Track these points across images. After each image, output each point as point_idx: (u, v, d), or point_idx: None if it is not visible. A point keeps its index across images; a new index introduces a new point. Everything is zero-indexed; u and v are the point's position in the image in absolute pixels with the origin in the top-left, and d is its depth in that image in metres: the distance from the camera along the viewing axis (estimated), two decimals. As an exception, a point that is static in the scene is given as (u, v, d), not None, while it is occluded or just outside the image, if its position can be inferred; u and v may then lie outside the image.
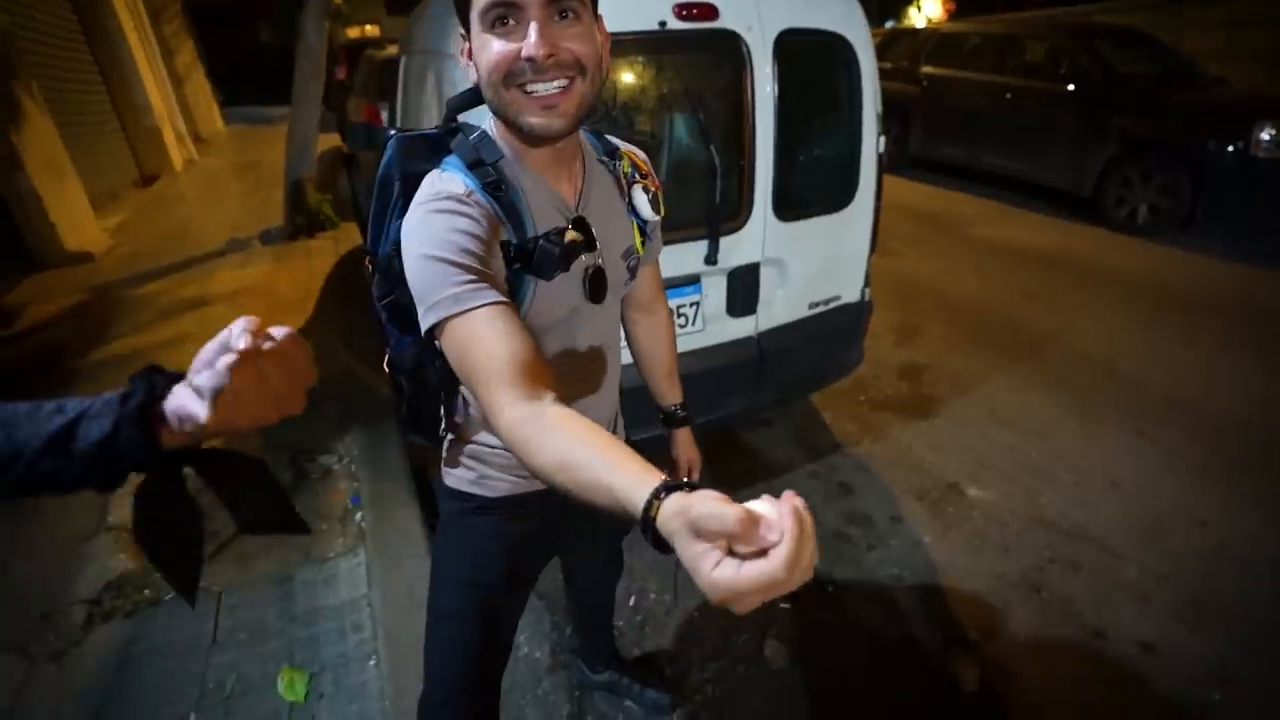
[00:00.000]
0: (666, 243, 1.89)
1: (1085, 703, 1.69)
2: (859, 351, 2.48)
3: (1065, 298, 4.01)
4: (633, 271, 1.02)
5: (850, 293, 2.36)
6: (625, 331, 1.22)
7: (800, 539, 0.43)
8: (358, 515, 2.28)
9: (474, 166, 0.82)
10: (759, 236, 2.02)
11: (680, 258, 1.92)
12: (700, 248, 1.93)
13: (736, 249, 1.99)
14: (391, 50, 4.95)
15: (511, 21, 0.74)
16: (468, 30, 0.79)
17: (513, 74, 0.75)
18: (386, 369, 1.03)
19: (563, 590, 1.68)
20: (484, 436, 1.01)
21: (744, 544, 0.43)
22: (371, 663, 1.71)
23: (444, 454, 1.07)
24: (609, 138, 1.01)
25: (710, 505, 0.44)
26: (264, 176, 8.06)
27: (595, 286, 0.92)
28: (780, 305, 2.18)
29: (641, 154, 1.03)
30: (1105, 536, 2.21)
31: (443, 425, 1.05)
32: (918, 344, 3.56)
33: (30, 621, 1.92)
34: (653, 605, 2.01)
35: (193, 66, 11.21)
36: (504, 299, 0.74)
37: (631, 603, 2.01)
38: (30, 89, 5.09)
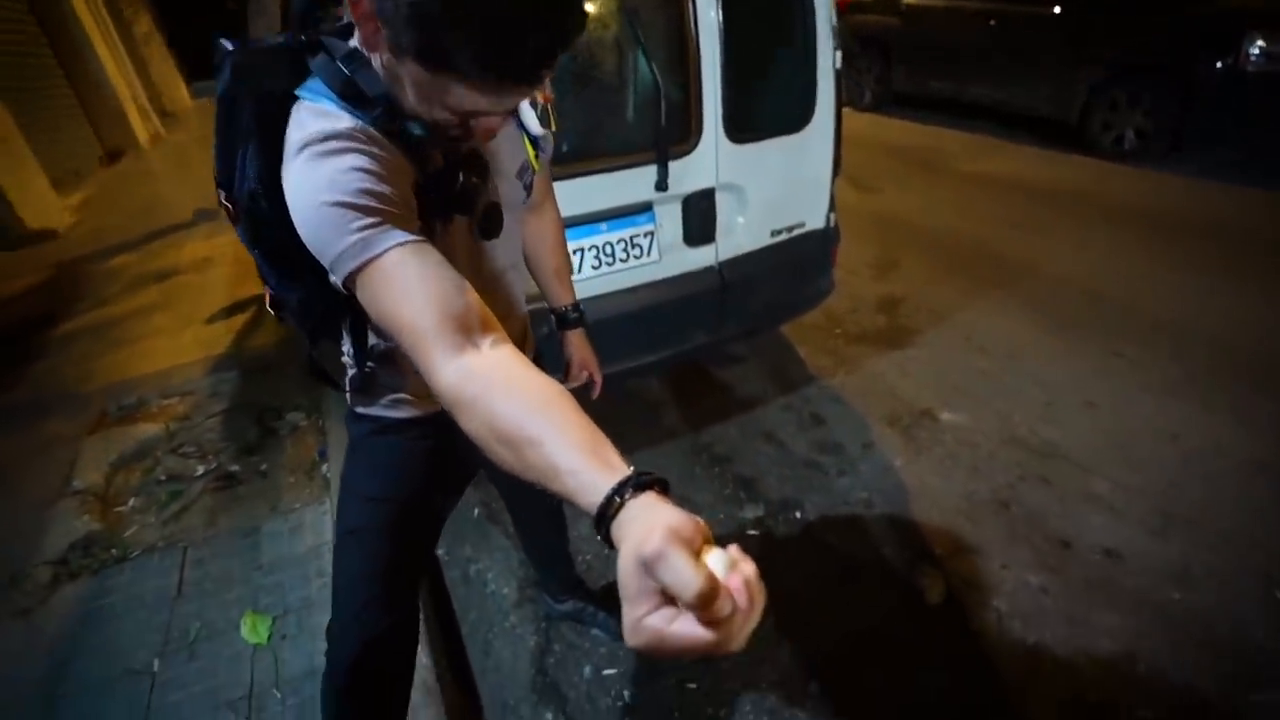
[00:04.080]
0: (613, 169, 1.84)
1: (1046, 609, 1.70)
2: (828, 281, 2.43)
3: (1049, 227, 3.94)
4: (529, 189, 0.98)
5: (814, 219, 2.29)
6: None
7: (746, 618, 0.41)
8: (323, 466, 2.27)
9: (350, 98, 0.71)
10: (711, 160, 1.95)
11: (629, 185, 1.86)
12: (649, 174, 1.86)
13: (688, 174, 1.93)
14: None
15: None
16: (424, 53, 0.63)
17: (464, 118, 0.70)
18: (271, 310, 0.97)
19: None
20: (386, 364, 0.96)
21: (694, 612, 0.40)
22: (335, 604, 1.71)
23: (348, 382, 1.03)
24: None
25: (675, 559, 0.39)
26: (233, 147, 7.84)
27: (488, 223, 0.87)
28: (741, 233, 2.12)
29: None
30: (1076, 453, 2.20)
31: (344, 354, 1.00)
32: (895, 278, 3.51)
33: (-3, 584, 1.92)
34: (621, 539, 2.00)
35: (152, 39, 10.83)
36: (415, 237, 0.65)
37: (599, 535, 2.00)
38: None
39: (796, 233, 2.25)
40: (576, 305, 1.26)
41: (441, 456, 1.04)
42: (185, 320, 3.67)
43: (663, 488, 0.48)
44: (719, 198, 2.02)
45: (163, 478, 2.37)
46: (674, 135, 1.86)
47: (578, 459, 0.50)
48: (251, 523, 2.07)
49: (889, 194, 4.70)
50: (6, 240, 4.93)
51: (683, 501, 1.85)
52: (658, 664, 1.61)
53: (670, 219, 1.99)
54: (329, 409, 2.55)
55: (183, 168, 7.60)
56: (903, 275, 3.53)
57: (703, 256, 2.08)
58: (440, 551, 2.02)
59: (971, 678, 1.55)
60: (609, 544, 0.47)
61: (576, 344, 1.28)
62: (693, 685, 1.57)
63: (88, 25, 7.81)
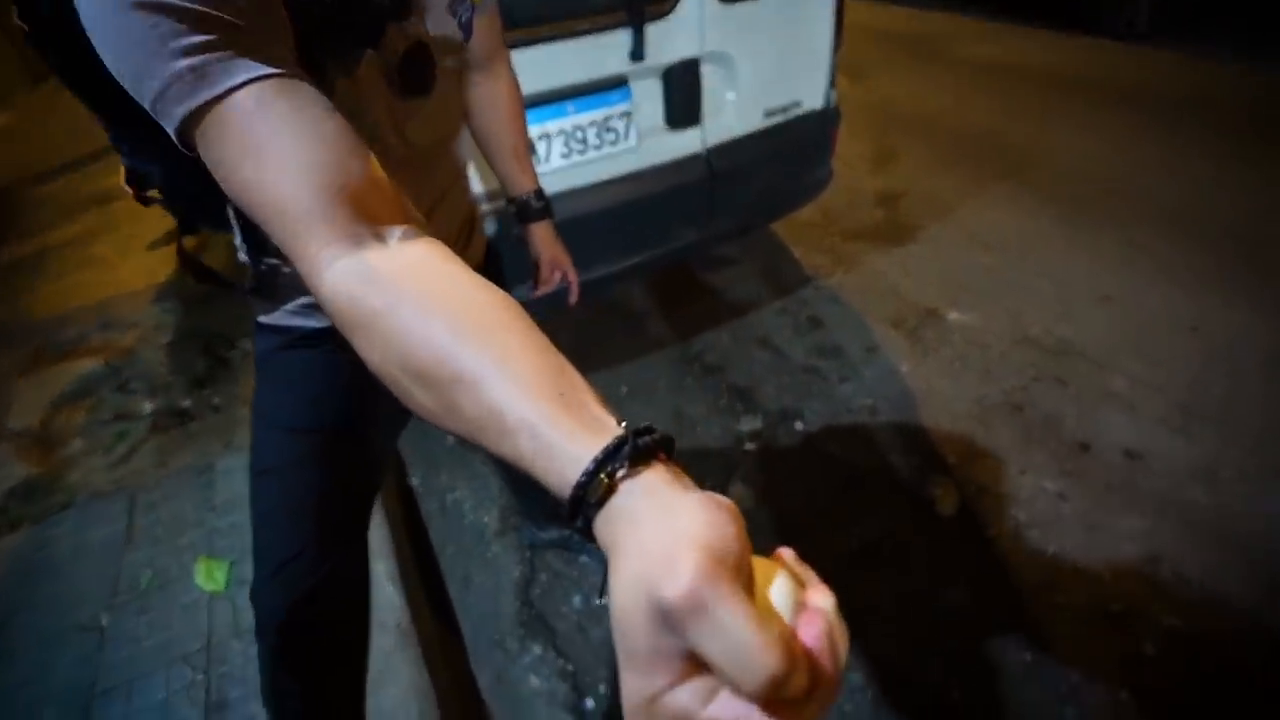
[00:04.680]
0: (578, 33, 1.55)
1: (1065, 515, 1.59)
2: (826, 169, 2.18)
3: (1056, 113, 3.64)
4: (466, 29, 0.73)
5: (813, 98, 2.01)
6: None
7: (827, 690, 0.25)
8: (280, 397, 2.08)
9: None
10: (695, 22, 1.65)
11: (599, 54, 1.57)
12: (623, 39, 1.57)
13: (668, 40, 1.64)
14: None
15: None
16: None
17: None
18: (127, 187, 0.74)
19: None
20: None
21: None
22: (297, 544, 1.57)
23: (248, 282, 0.81)
24: None
25: (726, 615, 0.23)
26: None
27: (412, 71, 0.63)
28: (730, 113, 1.85)
29: None
30: (1092, 350, 2.05)
31: (237, 246, 0.78)
32: (894, 170, 3.25)
33: (-70, 539, 1.76)
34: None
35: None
36: (280, 69, 0.43)
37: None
38: None
39: (793, 114, 1.98)
40: (540, 192, 1.04)
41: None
42: (125, 247, 3.38)
43: (668, 451, 0.31)
44: (705, 70, 1.74)
45: (108, 417, 2.18)
46: (650, -9, 1.56)
47: (535, 407, 0.32)
48: (205, 460, 1.90)
49: (883, 82, 4.34)
50: (-80, 167, 4.48)
51: (676, 416, 1.65)
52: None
53: (649, 97, 1.72)
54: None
55: (114, 83, 6.95)
56: (902, 168, 3.27)
57: (688, 142, 1.82)
58: (414, 481, 1.87)
59: (987, 591, 1.45)
60: (588, 536, 0.30)
61: (544, 239, 1.06)
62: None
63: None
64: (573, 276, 1.10)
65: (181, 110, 0.42)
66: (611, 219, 1.71)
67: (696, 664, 0.24)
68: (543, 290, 1.11)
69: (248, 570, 1.50)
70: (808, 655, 0.24)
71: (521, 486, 1.51)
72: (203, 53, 0.41)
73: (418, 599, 1.48)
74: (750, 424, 1.92)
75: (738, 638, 0.22)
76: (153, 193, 0.75)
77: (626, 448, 0.29)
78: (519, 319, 0.37)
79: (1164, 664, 1.29)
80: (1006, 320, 2.21)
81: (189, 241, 0.74)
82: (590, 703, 1.33)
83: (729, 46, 1.74)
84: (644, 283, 2.53)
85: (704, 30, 1.68)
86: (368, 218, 0.42)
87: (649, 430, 0.30)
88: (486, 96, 0.93)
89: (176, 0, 0.41)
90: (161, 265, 3.11)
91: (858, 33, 5.27)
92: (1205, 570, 1.44)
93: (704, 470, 1.79)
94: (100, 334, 2.65)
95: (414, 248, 0.42)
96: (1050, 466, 1.71)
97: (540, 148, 1.61)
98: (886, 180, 3.16)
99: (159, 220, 3.53)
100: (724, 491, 1.71)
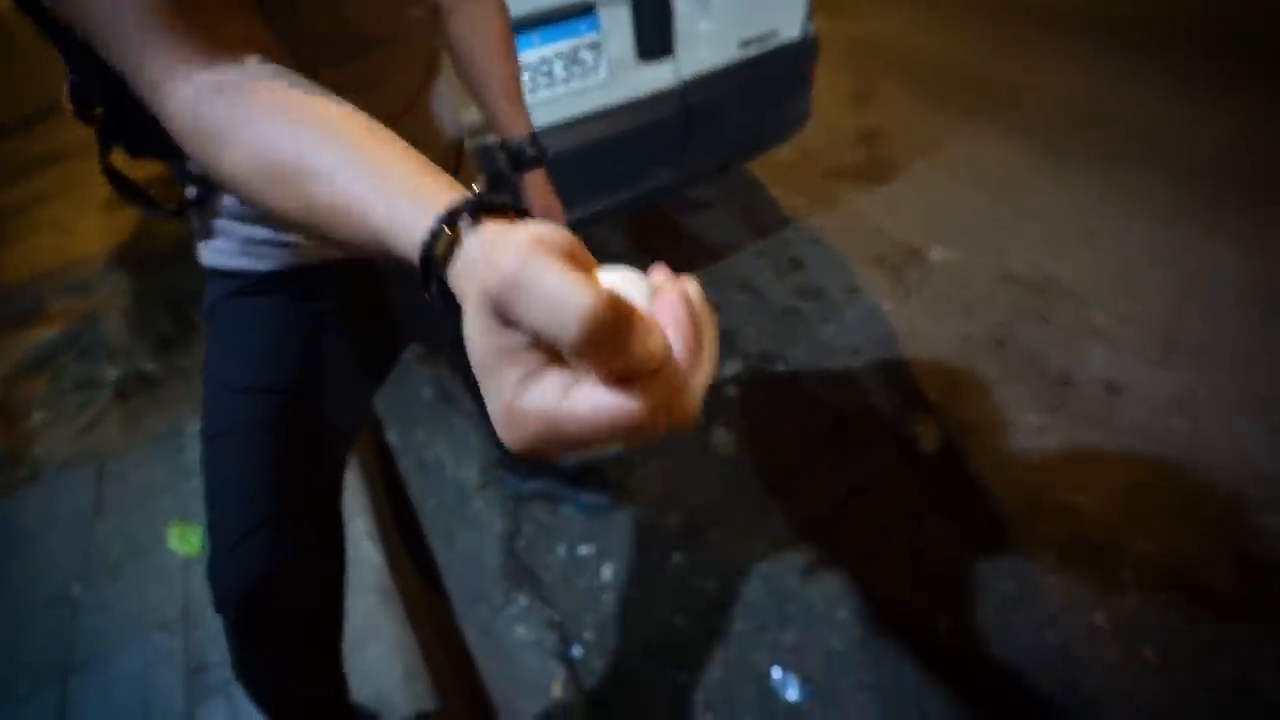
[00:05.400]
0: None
1: (1048, 447, 1.59)
2: (805, 103, 2.10)
3: (1047, 48, 3.51)
4: None
5: (790, 27, 1.91)
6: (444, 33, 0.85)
7: (692, 361, 0.25)
8: (248, 359, 2.01)
9: None
10: (665, -58, 1.55)
11: (563, -22, 1.47)
12: (589, -39, 1.47)
13: (637, -38, 1.53)
14: None
15: None
16: None
17: None
18: (68, 104, 0.66)
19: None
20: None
21: (589, 359, 0.22)
22: (272, 506, 1.54)
23: (191, 218, 0.75)
24: None
25: (540, 274, 0.22)
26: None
27: None
28: (704, 44, 1.76)
29: None
30: (1075, 286, 2.03)
31: (174, 174, 0.71)
32: (875, 107, 3.15)
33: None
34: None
35: None
36: None
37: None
38: None
39: (771, 45, 1.89)
40: (535, 137, 0.93)
41: (336, 319, 0.79)
42: (80, 208, 3.23)
43: (520, 214, 0.29)
44: (677, -5, 1.64)
45: (70, 386, 2.11)
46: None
47: (388, 184, 0.32)
48: (174, 426, 1.85)
49: (861, 15, 4.18)
50: None
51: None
52: (640, 538, 1.50)
53: (618, 25, 1.61)
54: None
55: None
56: (882, 105, 3.17)
57: (661, 75, 1.72)
58: (391, 438, 1.83)
59: (971, 524, 1.46)
60: (448, 312, 0.29)
61: (538, 188, 0.96)
62: (678, 559, 1.46)
63: None
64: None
65: None
66: (583, 158, 1.63)
67: (550, 359, 0.24)
68: None
69: (222, 534, 1.47)
70: (650, 318, 0.24)
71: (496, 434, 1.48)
72: None
73: (399, 557, 1.46)
74: (732, 367, 1.89)
75: (550, 289, 0.22)
76: (97, 111, 0.67)
77: (472, 202, 0.28)
78: (376, 125, 0.36)
79: (1140, 589, 1.31)
80: (990, 258, 2.18)
81: (116, 158, 0.67)
82: (578, 650, 1.33)
83: (701, -31, 1.64)
84: (618, 225, 2.46)
85: (674, -49, 1.57)
86: (207, 34, 0.39)
87: (497, 197, 0.29)
88: (469, 21, 0.83)
89: None
90: (118, 225, 2.98)
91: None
92: (1184, 496, 1.46)
93: (686, 418, 1.77)
94: (59, 300, 2.54)
95: (269, 70, 0.40)
96: (1032, 401, 1.70)
97: (503, 84, 1.51)
98: (868, 118, 3.07)
99: (111, 180, 3.38)
100: (706, 436, 1.70)
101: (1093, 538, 1.40)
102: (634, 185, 1.80)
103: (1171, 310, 1.91)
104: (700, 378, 0.26)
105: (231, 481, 0.73)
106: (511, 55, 0.87)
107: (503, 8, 0.85)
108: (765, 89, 1.93)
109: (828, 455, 1.64)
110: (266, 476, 0.73)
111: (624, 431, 0.23)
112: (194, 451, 1.74)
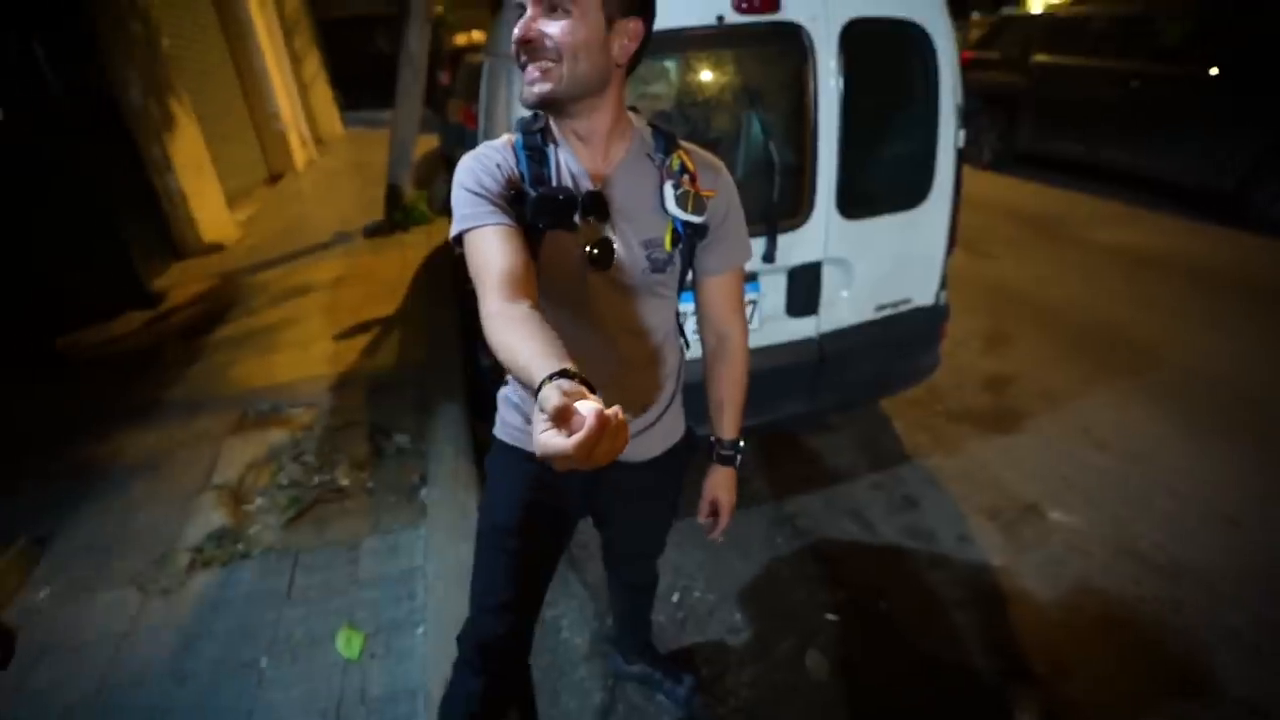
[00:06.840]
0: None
1: (1164, 756, 1.52)
2: (933, 358, 2.35)
3: (1191, 309, 3.59)
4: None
5: (923, 295, 2.24)
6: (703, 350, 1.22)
7: (589, 434, 0.53)
8: (423, 491, 2.42)
9: (528, 131, 0.97)
10: (820, 235, 1.96)
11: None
12: (757, 245, 1.89)
13: (796, 247, 1.95)
14: (487, 54, 5.17)
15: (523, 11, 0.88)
16: None
17: (517, 52, 0.88)
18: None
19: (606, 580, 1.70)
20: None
21: (561, 426, 0.56)
22: (419, 630, 1.81)
23: (497, 407, 1.17)
24: (680, 140, 1.03)
25: (553, 396, 0.58)
26: (372, 175, 8.62)
27: (599, 254, 0.97)
28: (844, 306, 2.11)
29: (704, 156, 1.05)
30: (1209, 576, 1.97)
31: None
32: (1007, 353, 3.32)
33: (148, 562, 2.18)
34: (695, 603, 2.00)
35: (318, 75, 12.18)
36: (510, 223, 0.88)
37: (675, 599, 2.01)
38: (181, 99, 5.72)
39: (903, 308, 2.20)
40: (734, 443, 1.22)
41: (558, 489, 1.14)
42: (316, 335, 4.04)
43: (585, 384, 0.63)
44: (825, 271, 2.02)
45: (284, 482, 2.61)
46: (785, 209, 1.89)
47: (535, 360, 0.67)
48: (354, 537, 2.24)
49: (1005, 261, 4.47)
50: (185, 249, 5.65)
51: (765, 572, 1.80)
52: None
53: (774, 289, 2.01)
54: (434, 436, 2.73)
55: (330, 190, 8.44)
56: (1015, 352, 3.33)
57: (804, 328, 2.08)
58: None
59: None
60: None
61: (718, 483, 1.25)
62: (756, 772, 1.53)
63: (269, 59, 8.91)
64: (722, 522, 1.28)
65: (459, 228, 0.89)
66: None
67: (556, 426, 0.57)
68: (700, 520, 1.29)
69: (378, 645, 1.77)
70: (580, 414, 0.55)
71: (623, 619, 1.70)
72: (476, 207, 0.89)
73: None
74: (834, 594, 2.00)
75: (549, 401, 0.58)
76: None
77: (556, 375, 0.62)
78: (548, 330, 0.74)
79: None
80: (1113, 528, 2.18)
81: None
82: (650, 844, 1.41)
83: (849, 253, 2.03)
84: (751, 442, 2.71)
85: (828, 240, 1.98)
86: (513, 290, 0.81)
87: (571, 372, 0.63)
88: (714, 354, 1.18)
89: (471, 186, 0.90)
90: (342, 355, 3.71)
91: (980, 207, 5.49)
92: None
93: (783, 631, 1.88)
94: (289, 409, 3.19)
95: (525, 306, 0.79)
96: (1152, 703, 1.64)
97: (676, 323, 1.92)
98: (998, 363, 3.24)
99: (344, 316, 4.24)
100: (800, 656, 1.80)
101: None
102: (770, 413, 2.09)
103: (1332, 630, 1.79)
104: (602, 448, 0.54)
105: (474, 579, 1.15)
106: (738, 388, 1.20)
107: (742, 358, 1.18)
108: (895, 344, 2.23)
109: (919, 705, 1.67)
110: (493, 581, 1.12)
111: (565, 455, 0.53)
112: (366, 565, 2.10)
